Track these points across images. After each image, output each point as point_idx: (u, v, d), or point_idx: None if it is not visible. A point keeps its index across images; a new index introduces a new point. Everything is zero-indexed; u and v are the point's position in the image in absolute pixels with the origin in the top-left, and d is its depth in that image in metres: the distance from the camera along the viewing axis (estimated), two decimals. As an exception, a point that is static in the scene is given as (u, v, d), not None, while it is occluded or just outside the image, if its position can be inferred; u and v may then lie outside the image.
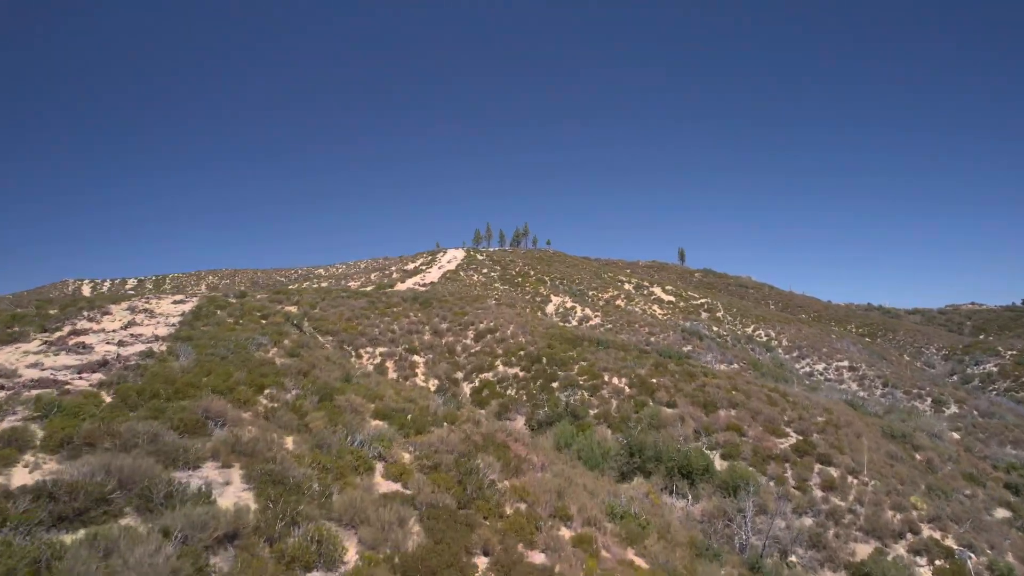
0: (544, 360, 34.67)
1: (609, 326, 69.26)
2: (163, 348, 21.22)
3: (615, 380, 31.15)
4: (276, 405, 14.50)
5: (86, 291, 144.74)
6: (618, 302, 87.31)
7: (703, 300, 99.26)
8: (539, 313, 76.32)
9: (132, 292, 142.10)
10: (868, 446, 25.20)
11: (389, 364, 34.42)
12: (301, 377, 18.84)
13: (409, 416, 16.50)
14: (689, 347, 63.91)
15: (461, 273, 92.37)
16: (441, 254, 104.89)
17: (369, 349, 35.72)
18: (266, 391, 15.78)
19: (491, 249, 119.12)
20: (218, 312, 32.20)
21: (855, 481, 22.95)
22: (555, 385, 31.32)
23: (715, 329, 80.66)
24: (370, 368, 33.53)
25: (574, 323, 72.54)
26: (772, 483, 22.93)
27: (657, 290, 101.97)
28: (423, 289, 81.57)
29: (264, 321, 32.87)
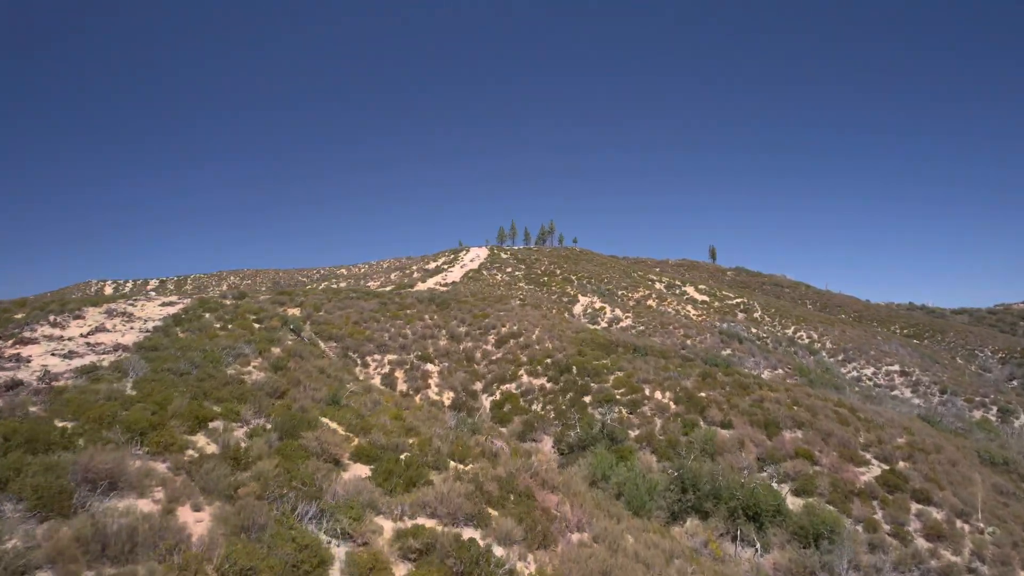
0: (574, 369, 30.48)
1: (641, 328, 64.78)
2: (113, 361, 17.48)
3: (657, 394, 26.83)
4: (213, 450, 10.63)
5: (108, 291, 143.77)
6: (649, 302, 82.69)
7: (739, 300, 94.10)
8: (566, 314, 72.12)
9: (153, 292, 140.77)
10: (976, 479, 20.59)
11: (399, 374, 30.50)
12: (272, 401, 14.93)
13: (403, 457, 12.47)
14: (728, 351, 59.25)
15: (484, 272, 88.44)
16: (464, 253, 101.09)
17: (377, 357, 31.86)
18: (211, 424, 11.91)
19: (515, 248, 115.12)
20: (206, 316, 28.57)
21: (967, 527, 18.41)
22: (587, 400, 27.11)
23: (754, 331, 75.70)
24: (376, 379, 29.65)
25: (603, 325, 68.15)
26: (860, 528, 18.50)
27: (690, 289, 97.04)
28: (443, 289, 77.89)
29: (258, 326, 29.16)
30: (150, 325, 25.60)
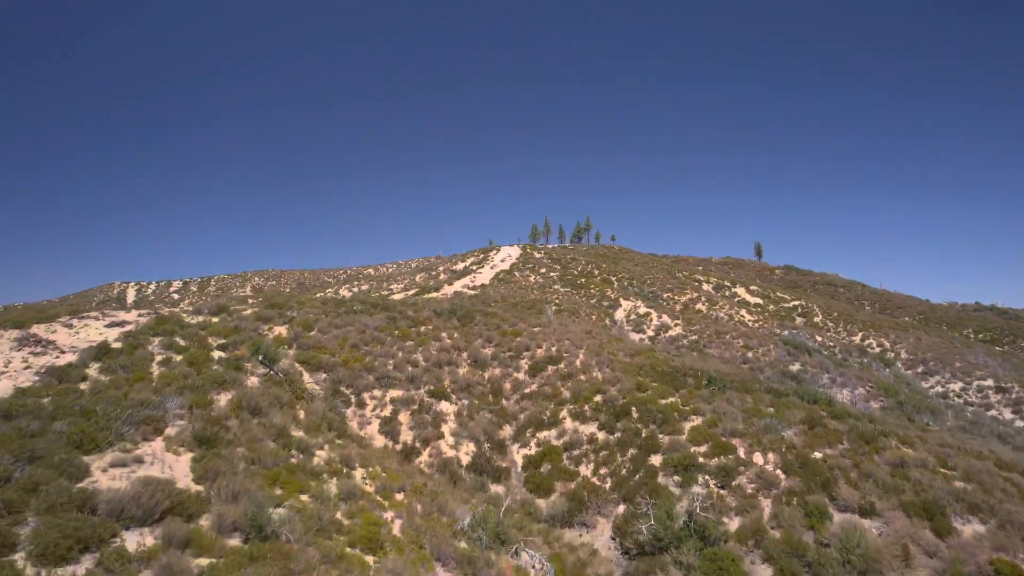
0: (633, 412, 23.07)
1: (694, 338, 56.99)
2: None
3: (757, 456, 19.28)
4: None
5: (131, 294, 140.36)
6: (698, 306, 74.59)
7: (795, 302, 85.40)
8: (607, 320, 64.66)
9: (175, 294, 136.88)
10: None
11: (403, 417, 23.43)
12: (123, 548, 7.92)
13: None
14: (798, 365, 51.24)
15: (516, 273, 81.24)
16: (494, 252, 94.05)
17: (377, 393, 24.80)
18: None
19: (550, 246, 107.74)
20: (153, 343, 21.85)
21: None
22: (656, 462, 19.69)
23: (818, 339, 67.21)
24: (373, 425, 22.62)
25: (649, 333, 60.56)
26: None
27: (740, 291, 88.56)
28: (471, 293, 71.01)
29: (221, 354, 22.39)
30: (63, 360, 18.94)
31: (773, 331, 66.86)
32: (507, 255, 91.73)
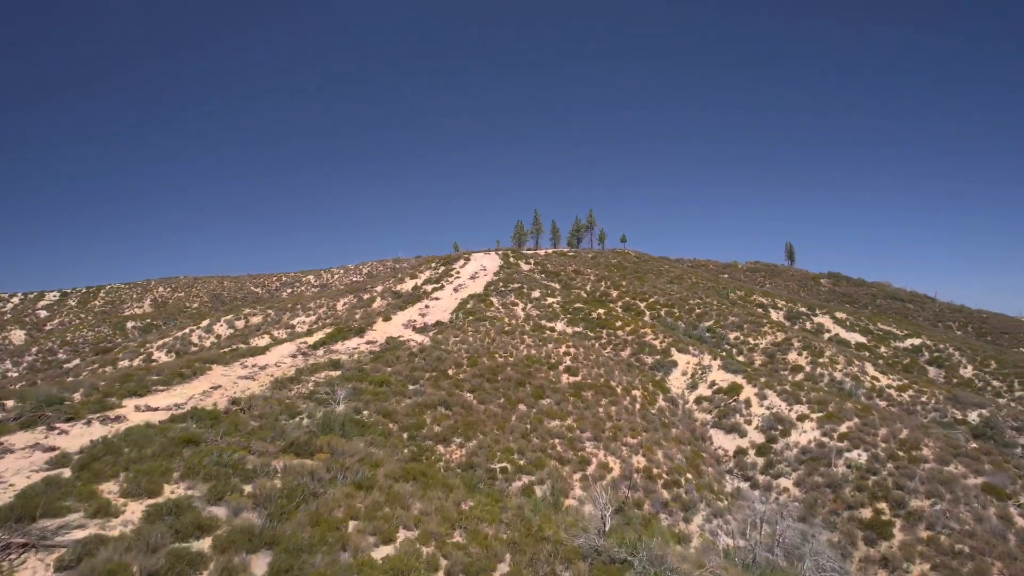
0: None
1: (839, 443, 28.08)
2: None
3: None
4: None
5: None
6: (792, 356, 45.39)
7: (912, 340, 56.78)
8: (660, 400, 35.14)
9: (44, 311, 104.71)
10: None
11: None
12: None
13: None
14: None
15: (493, 300, 51.24)
16: (461, 263, 63.96)
17: None
18: None
19: (541, 252, 78.12)
20: None
21: None
22: None
23: (982, 414, 38.29)
24: None
25: (754, 435, 31.48)
26: None
27: (826, 320, 59.74)
28: (417, 341, 41.07)
29: None
30: None
31: (951, 412, 38.10)
32: (480, 267, 61.75)
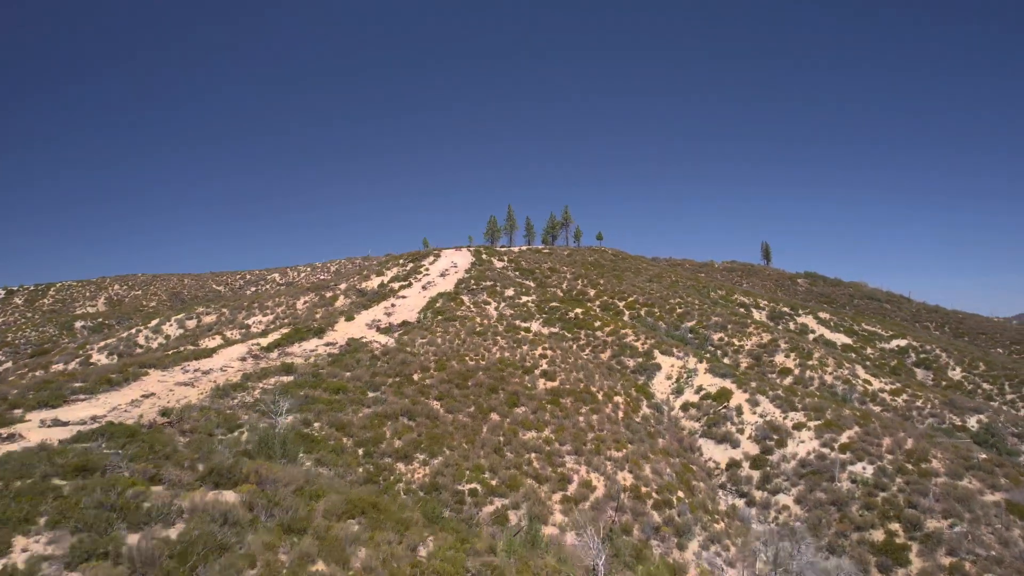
0: None
1: (867, 472, 25.50)
2: None
3: None
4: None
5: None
6: (779, 358, 43.10)
7: (898, 341, 54.99)
8: (644, 408, 32.40)
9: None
10: None
11: None
12: None
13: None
14: None
15: (465, 299, 48.21)
16: (431, 260, 60.74)
17: None
18: None
19: (516, 249, 75.21)
20: None
21: None
22: None
23: (981, 420, 36.24)
24: None
25: (747, 446, 29.03)
26: None
27: (809, 320, 57.76)
28: (380, 342, 37.85)
29: None
30: None
31: (948, 417, 35.94)
32: (451, 264, 58.59)
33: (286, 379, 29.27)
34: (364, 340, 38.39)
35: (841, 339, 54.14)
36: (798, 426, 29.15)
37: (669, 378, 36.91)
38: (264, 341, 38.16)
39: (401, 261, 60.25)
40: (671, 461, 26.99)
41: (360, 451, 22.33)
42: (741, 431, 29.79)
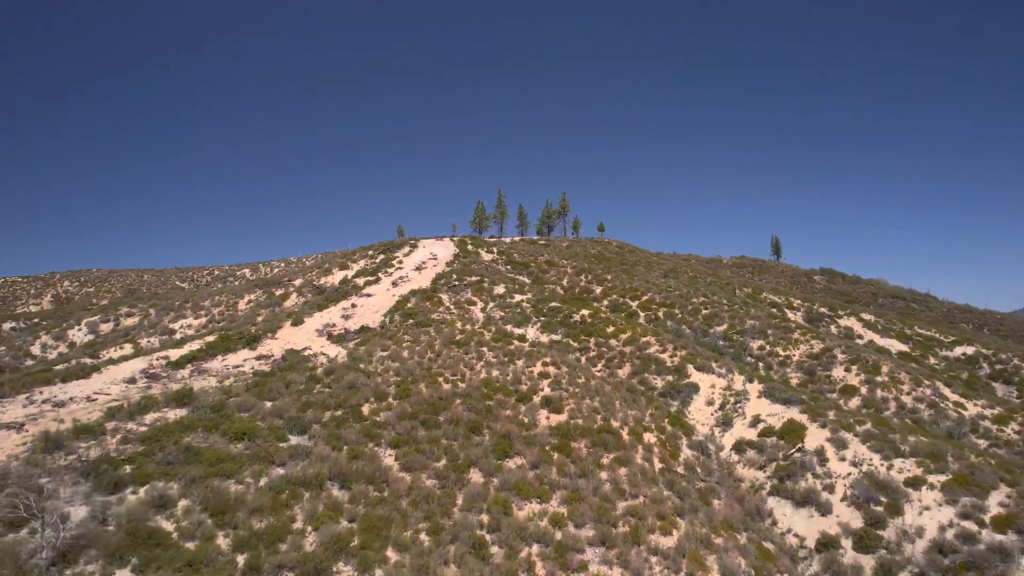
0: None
1: (999, 533, 16.34)
2: None
3: None
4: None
5: None
6: (837, 372, 34.16)
7: (965, 348, 46.21)
8: (686, 450, 23.42)
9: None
10: None
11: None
12: None
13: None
14: None
15: (443, 296, 39.02)
16: (405, 251, 51.45)
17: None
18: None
19: (507, 240, 66.02)
20: None
21: None
22: None
23: None
24: None
25: (839, 501, 19.76)
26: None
27: (853, 323, 48.91)
28: (330, 354, 28.72)
29: None
30: None
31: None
32: (429, 256, 49.34)
33: (173, 415, 20.04)
34: (307, 352, 29.17)
35: (895, 346, 45.33)
36: (914, 482, 20.17)
37: (710, 403, 27.88)
38: (176, 353, 28.86)
39: (370, 252, 50.89)
40: (737, 540, 17.98)
41: (241, 560, 13.13)
42: (831, 488, 20.76)
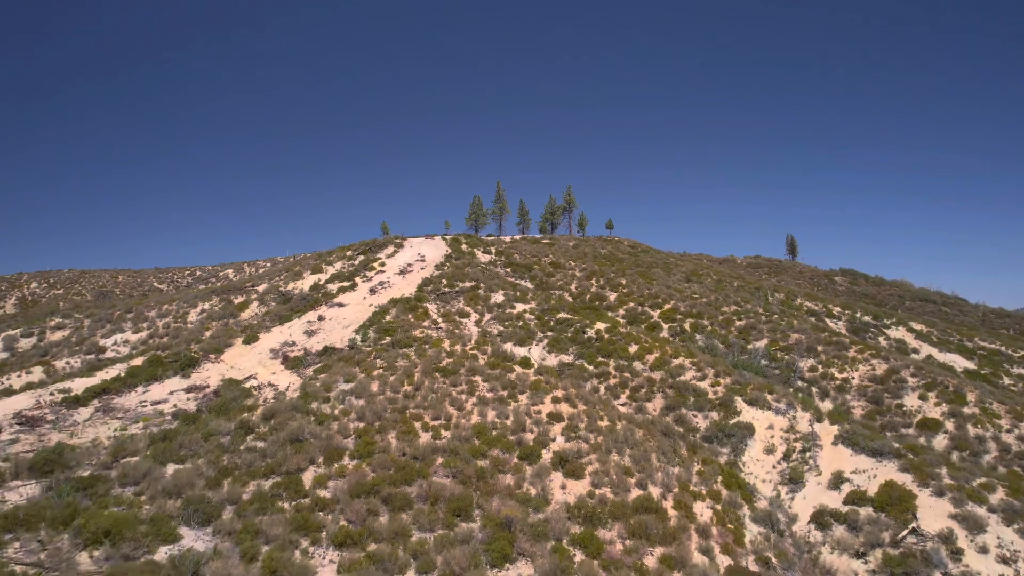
0: None
1: None
2: None
3: None
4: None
5: None
6: (910, 400, 27.67)
7: (1033, 362, 39.81)
8: (747, 521, 17.09)
9: None
10: None
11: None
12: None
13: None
14: None
15: (429, 311, 32.52)
16: (390, 251, 44.96)
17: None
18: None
19: (507, 238, 59.54)
20: None
21: None
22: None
23: None
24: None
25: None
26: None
27: (904, 335, 42.53)
28: (273, 392, 22.38)
29: None
30: None
31: None
32: (416, 257, 42.90)
33: (15, 498, 13.62)
34: (251, 384, 22.76)
35: (959, 361, 38.95)
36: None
37: (770, 451, 21.46)
38: (82, 384, 22.46)
39: (349, 253, 44.38)
40: None
41: None
42: (970, 597, 14.35)
